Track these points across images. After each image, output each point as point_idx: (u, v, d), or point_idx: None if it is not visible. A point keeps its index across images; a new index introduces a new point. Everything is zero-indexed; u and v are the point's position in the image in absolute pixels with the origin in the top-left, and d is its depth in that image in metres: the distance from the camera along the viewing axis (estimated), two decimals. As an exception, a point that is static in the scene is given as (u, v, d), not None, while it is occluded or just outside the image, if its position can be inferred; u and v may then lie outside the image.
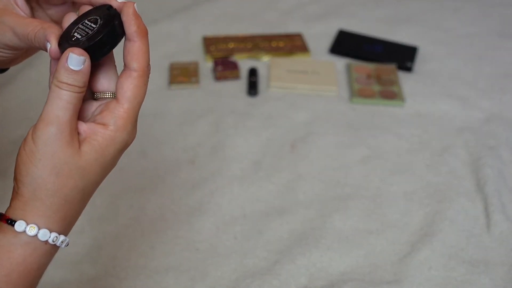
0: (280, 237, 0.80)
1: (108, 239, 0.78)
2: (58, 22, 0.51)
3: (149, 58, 0.47)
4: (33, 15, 0.52)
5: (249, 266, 0.75)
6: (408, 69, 1.15)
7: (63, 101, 0.44)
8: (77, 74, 0.44)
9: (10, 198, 0.46)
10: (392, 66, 1.14)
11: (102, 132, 0.46)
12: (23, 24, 0.48)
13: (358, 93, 1.07)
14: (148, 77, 0.47)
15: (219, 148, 0.94)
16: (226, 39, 1.19)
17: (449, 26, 1.31)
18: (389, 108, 1.05)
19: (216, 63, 1.11)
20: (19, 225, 0.44)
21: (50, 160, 0.44)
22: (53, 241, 0.45)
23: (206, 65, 1.13)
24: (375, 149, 0.95)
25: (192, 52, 1.17)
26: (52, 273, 0.72)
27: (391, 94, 1.07)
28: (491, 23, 1.32)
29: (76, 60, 0.44)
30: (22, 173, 0.45)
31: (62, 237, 0.46)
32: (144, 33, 0.46)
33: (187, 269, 0.75)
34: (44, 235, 0.45)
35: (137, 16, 0.46)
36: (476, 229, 0.82)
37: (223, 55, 1.15)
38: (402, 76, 1.13)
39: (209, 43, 1.18)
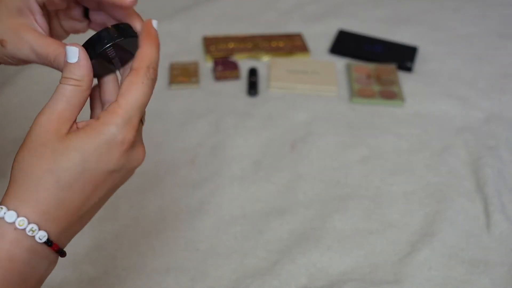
0: (280, 237, 0.80)
1: (108, 239, 0.78)
2: (70, 33, 0.54)
3: (152, 61, 0.47)
4: (50, 30, 0.53)
5: (249, 266, 0.75)
6: (408, 69, 1.15)
7: (56, 93, 0.45)
8: (72, 67, 0.45)
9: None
10: (392, 66, 1.14)
11: (90, 123, 0.45)
12: (44, 43, 0.49)
13: (358, 93, 1.07)
14: (150, 79, 0.46)
15: (219, 148, 0.94)
16: (226, 39, 1.19)
17: (449, 26, 1.31)
18: (389, 108, 1.05)
19: (216, 63, 1.11)
20: None
21: (32, 143, 0.45)
22: (19, 225, 0.43)
23: (206, 65, 1.14)
24: (375, 149, 0.95)
25: (192, 52, 1.17)
26: (52, 273, 0.72)
27: (391, 94, 1.07)
28: (491, 23, 1.33)
29: (70, 52, 0.46)
30: (14, 160, 0.45)
31: (32, 226, 0.43)
32: (149, 40, 0.47)
33: (187, 269, 0.75)
34: (11, 216, 0.43)
35: (150, 31, 0.48)
36: (476, 229, 0.82)
37: (223, 55, 1.15)
38: (402, 76, 1.13)
39: (209, 43, 1.18)
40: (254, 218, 0.82)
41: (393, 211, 0.84)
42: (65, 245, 0.48)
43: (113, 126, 0.45)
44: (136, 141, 0.47)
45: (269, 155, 0.93)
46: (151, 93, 0.47)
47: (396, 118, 1.03)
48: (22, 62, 0.52)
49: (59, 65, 0.48)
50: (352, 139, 0.97)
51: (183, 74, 1.09)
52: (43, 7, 0.51)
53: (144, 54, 0.46)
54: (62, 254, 0.47)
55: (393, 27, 1.28)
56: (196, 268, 0.75)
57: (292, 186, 0.88)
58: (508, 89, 1.11)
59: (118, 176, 0.48)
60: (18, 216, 0.43)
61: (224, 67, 1.10)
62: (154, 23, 0.48)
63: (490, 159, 0.92)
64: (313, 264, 0.76)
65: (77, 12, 0.53)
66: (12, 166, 0.45)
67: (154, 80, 0.47)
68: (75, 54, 0.45)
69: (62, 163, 0.44)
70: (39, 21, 0.51)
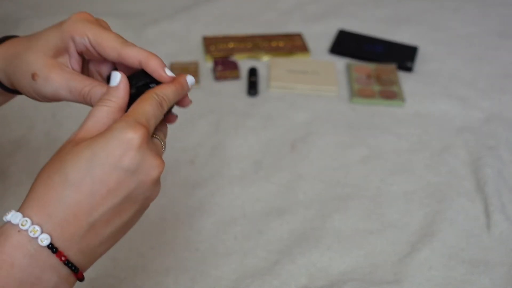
0: (280, 237, 0.80)
1: (108, 239, 0.78)
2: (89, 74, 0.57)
3: (162, 92, 0.51)
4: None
5: (249, 266, 0.75)
6: (408, 69, 1.15)
7: (88, 114, 0.48)
8: (110, 89, 0.49)
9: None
10: (392, 66, 1.14)
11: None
12: (78, 79, 0.52)
13: (358, 93, 1.07)
14: (156, 100, 0.50)
15: (219, 148, 0.94)
16: (226, 39, 1.19)
17: (449, 26, 1.31)
18: (389, 108, 1.05)
19: (216, 63, 1.11)
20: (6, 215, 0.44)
21: (54, 155, 0.46)
22: (22, 226, 0.42)
23: (206, 65, 1.14)
24: (375, 149, 0.95)
25: (192, 52, 1.17)
26: (52, 273, 0.72)
27: (391, 94, 1.07)
28: (491, 23, 1.33)
29: (113, 77, 0.49)
30: None
31: (35, 227, 0.43)
32: (174, 82, 0.54)
33: (187, 269, 0.75)
34: (16, 217, 0.43)
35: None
36: (476, 229, 0.82)
37: (223, 55, 1.15)
38: (402, 76, 1.13)
39: (209, 43, 1.18)
40: (254, 218, 0.82)
41: (393, 211, 0.84)
42: (80, 264, 0.46)
43: (122, 123, 0.46)
44: (150, 146, 0.48)
45: (269, 155, 0.93)
46: (158, 111, 0.49)
47: (396, 118, 1.03)
48: (47, 99, 0.54)
49: (92, 99, 0.51)
50: (352, 139, 0.97)
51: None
52: (80, 53, 0.54)
53: (159, 86, 0.51)
54: (77, 272, 0.45)
55: (393, 27, 1.28)
56: (196, 268, 0.75)
57: (292, 186, 0.88)
58: (508, 89, 1.11)
59: (133, 181, 0.46)
60: (23, 217, 0.43)
61: (224, 67, 1.10)
62: (189, 79, 0.55)
63: (490, 159, 0.92)
64: (313, 264, 0.76)
65: (106, 67, 0.56)
66: None
67: (161, 103, 0.50)
68: (116, 78, 0.49)
69: (71, 161, 0.45)
70: (73, 64, 0.54)
